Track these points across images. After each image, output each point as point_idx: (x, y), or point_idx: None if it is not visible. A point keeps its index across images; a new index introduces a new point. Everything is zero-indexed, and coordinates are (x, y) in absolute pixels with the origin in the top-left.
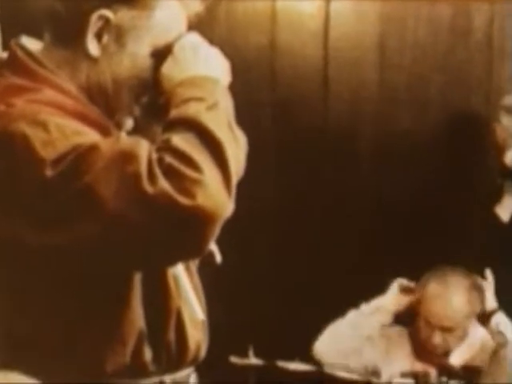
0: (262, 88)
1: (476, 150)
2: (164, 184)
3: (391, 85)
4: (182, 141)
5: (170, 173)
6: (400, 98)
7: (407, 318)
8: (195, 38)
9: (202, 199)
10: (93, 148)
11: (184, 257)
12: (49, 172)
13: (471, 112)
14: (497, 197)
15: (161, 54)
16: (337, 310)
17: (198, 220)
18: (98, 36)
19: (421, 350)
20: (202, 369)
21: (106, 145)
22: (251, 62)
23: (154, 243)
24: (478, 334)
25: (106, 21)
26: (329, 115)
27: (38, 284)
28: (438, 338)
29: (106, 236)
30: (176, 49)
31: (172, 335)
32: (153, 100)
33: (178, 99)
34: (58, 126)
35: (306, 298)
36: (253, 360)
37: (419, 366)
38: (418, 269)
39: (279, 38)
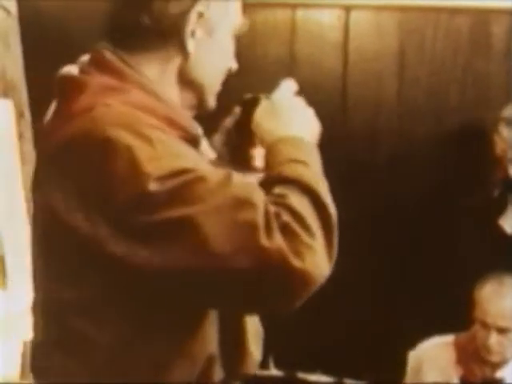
0: None
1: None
2: (280, 241)
3: (410, 96)
4: (298, 202)
5: (286, 231)
6: (419, 110)
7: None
8: (292, 89)
9: (309, 264)
10: (201, 179)
11: (272, 311)
12: (152, 186)
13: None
14: (500, 209)
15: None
16: (358, 322)
17: (301, 283)
18: (192, 33)
19: (467, 359)
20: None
21: (213, 179)
22: (270, 74)
23: (249, 293)
24: None
25: (200, 16)
26: (347, 126)
27: (113, 291)
28: (493, 339)
29: (199, 269)
30: (277, 101)
31: (243, 362)
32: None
33: (282, 157)
34: (164, 144)
35: (327, 309)
36: (273, 371)
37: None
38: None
39: (298, 49)
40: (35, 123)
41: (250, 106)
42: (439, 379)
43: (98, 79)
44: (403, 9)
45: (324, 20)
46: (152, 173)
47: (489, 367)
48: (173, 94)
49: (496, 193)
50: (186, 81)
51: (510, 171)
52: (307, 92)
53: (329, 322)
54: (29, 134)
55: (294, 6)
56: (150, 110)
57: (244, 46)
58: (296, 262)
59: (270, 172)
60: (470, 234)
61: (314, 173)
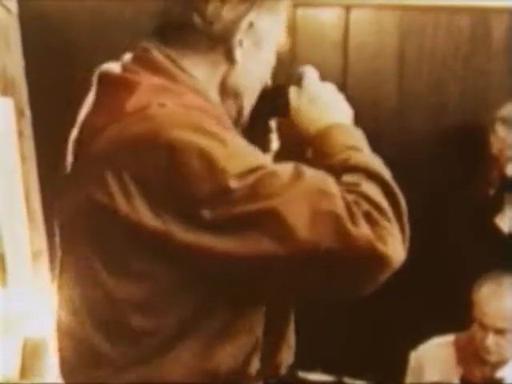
0: None
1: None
2: (365, 228)
3: (410, 94)
4: (372, 190)
5: (368, 218)
6: (419, 107)
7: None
8: (316, 75)
9: (391, 249)
10: (274, 174)
11: (349, 295)
12: (233, 183)
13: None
14: (497, 208)
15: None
16: (358, 321)
17: (384, 267)
18: (240, 42)
19: (467, 359)
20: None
21: (285, 174)
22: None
23: (335, 277)
24: None
25: (250, 26)
26: None
27: (182, 283)
28: (490, 340)
29: (288, 255)
30: (315, 90)
31: (282, 354)
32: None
33: (338, 144)
34: (233, 142)
35: (327, 308)
36: (321, 376)
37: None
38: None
39: (299, 48)
40: (35, 122)
41: (272, 95)
42: (440, 379)
43: (150, 79)
44: (403, 7)
45: (324, 19)
46: (230, 170)
47: (488, 367)
48: (217, 100)
49: (492, 192)
50: (229, 90)
51: (506, 170)
52: None
53: (329, 321)
54: (29, 132)
55: (295, 5)
56: (204, 112)
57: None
58: (381, 247)
59: (329, 160)
60: (467, 233)
61: (374, 159)
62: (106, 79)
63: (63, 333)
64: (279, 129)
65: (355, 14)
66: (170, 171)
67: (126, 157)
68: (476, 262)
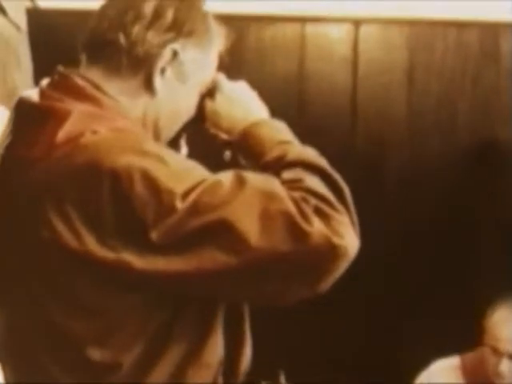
0: (290, 115)
1: (500, 176)
2: (319, 223)
3: (419, 110)
4: (315, 183)
5: (319, 214)
6: (428, 124)
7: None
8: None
9: (347, 240)
10: (217, 185)
11: (309, 294)
12: (179, 203)
13: (497, 138)
14: None
15: (207, 92)
16: (370, 332)
17: (341, 260)
18: (162, 70)
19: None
20: None
21: (228, 181)
22: (279, 89)
23: (294, 278)
24: None
25: (174, 55)
26: (357, 141)
27: (139, 311)
28: (504, 366)
29: (242, 265)
30: (229, 90)
31: (243, 364)
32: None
33: (266, 141)
34: (172, 158)
35: (340, 327)
36: None
37: None
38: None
39: (308, 64)
40: None
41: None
42: None
43: (77, 106)
44: (412, 23)
45: (333, 34)
46: (175, 190)
47: None
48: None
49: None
50: (149, 124)
51: None
52: (316, 106)
53: (342, 339)
54: None
55: (303, 21)
56: (137, 133)
57: (253, 62)
58: (338, 241)
59: (263, 159)
60: (491, 254)
61: (306, 149)
62: (26, 107)
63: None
64: (204, 137)
65: (364, 30)
66: (115, 198)
67: (67, 189)
68: (493, 283)
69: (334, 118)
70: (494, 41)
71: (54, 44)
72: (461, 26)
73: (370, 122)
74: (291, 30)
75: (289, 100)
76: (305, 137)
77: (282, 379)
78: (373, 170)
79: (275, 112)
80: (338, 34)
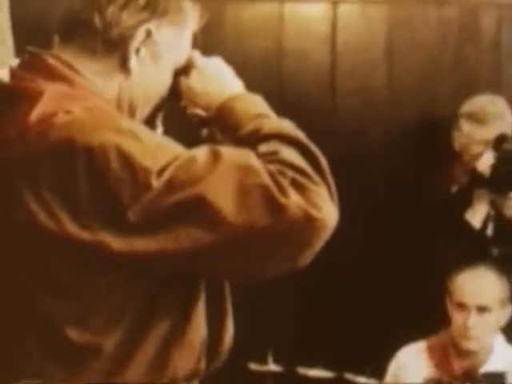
0: (269, 93)
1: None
2: (295, 196)
3: (399, 87)
4: (291, 155)
5: (296, 186)
6: (408, 101)
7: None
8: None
9: (325, 212)
10: (192, 160)
11: (288, 267)
12: (155, 182)
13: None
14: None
15: (181, 70)
16: (359, 317)
17: (320, 233)
18: (137, 50)
19: (445, 361)
20: (221, 376)
21: (202, 156)
22: (258, 67)
23: (273, 251)
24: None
25: (148, 35)
26: (337, 118)
27: (120, 292)
28: (472, 319)
29: (219, 243)
30: (203, 66)
31: (223, 346)
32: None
33: (243, 114)
34: (146, 134)
35: (327, 304)
36: (272, 366)
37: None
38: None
39: (286, 43)
40: None
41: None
42: None
43: (50, 86)
44: (391, 0)
45: (312, 13)
46: (150, 168)
47: (469, 361)
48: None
49: (455, 188)
50: (123, 103)
51: (476, 166)
52: (296, 85)
53: (329, 317)
54: None
55: (282, 0)
56: (111, 111)
57: (232, 41)
58: (316, 213)
59: (239, 133)
60: (436, 230)
61: (283, 122)
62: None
63: None
64: (180, 115)
65: (342, 8)
66: (90, 176)
67: (42, 169)
68: (447, 257)
69: (313, 96)
70: (474, 18)
71: (35, 25)
72: (440, 3)
73: (349, 99)
74: (269, 9)
75: (268, 79)
76: (284, 115)
77: (270, 360)
78: (354, 144)
79: (254, 91)
80: (316, 13)
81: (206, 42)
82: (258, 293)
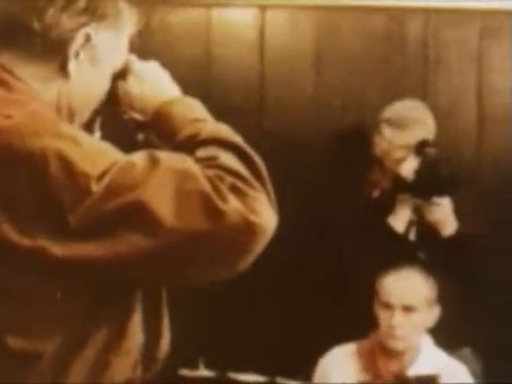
0: (197, 99)
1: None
2: (235, 201)
3: (327, 94)
4: (230, 160)
5: (235, 191)
6: (336, 107)
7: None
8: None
9: (264, 217)
10: (131, 165)
11: (227, 274)
12: (95, 187)
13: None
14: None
15: (119, 74)
16: (291, 321)
17: (259, 238)
18: (76, 54)
19: (373, 362)
20: (152, 382)
21: (141, 162)
22: (187, 74)
23: (211, 258)
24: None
25: (87, 39)
26: (265, 125)
27: (59, 299)
28: (398, 318)
29: (158, 248)
30: (140, 70)
31: (160, 353)
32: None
33: (179, 119)
34: (86, 139)
35: (259, 309)
36: (203, 372)
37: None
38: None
39: (214, 50)
40: None
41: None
42: None
43: None
44: (319, 8)
45: (239, 19)
46: (90, 173)
47: (397, 362)
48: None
49: (377, 193)
50: (63, 108)
51: (399, 171)
52: (224, 91)
53: (260, 322)
54: None
55: (209, 6)
56: (51, 116)
57: (160, 47)
58: (255, 219)
59: (176, 138)
60: (359, 235)
61: (221, 127)
62: None
63: None
64: (118, 120)
65: (270, 15)
66: (31, 182)
67: None
68: (373, 261)
69: (241, 102)
70: (401, 26)
71: None
72: (368, 11)
73: (278, 106)
74: (197, 14)
75: (196, 85)
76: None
77: (202, 366)
78: (280, 152)
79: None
80: (244, 19)
81: (135, 47)
82: (189, 297)
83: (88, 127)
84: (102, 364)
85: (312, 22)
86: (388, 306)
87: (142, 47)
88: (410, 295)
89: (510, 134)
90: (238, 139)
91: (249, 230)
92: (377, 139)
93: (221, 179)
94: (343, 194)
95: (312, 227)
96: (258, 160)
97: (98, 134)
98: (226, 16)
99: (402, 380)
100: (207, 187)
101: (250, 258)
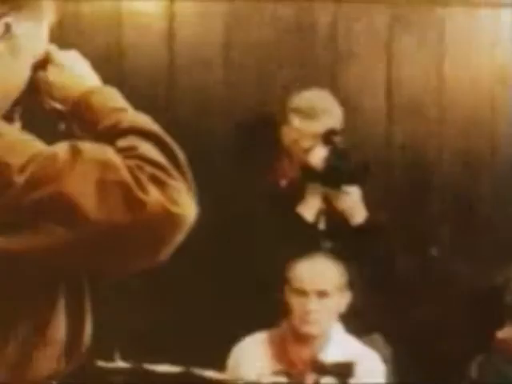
0: None
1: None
2: (155, 192)
3: (236, 83)
4: (150, 150)
5: (155, 181)
6: (245, 96)
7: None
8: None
9: (184, 207)
10: (53, 156)
11: (147, 264)
12: (17, 178)
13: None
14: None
15: (39, 63)
16: (206, 311)
17: (179, 228)
18: None
19: (285, 350)
20: (70, 375)
21: (62, 153)
22: (100, 65)
23: (132, 248)
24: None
25: (7, 29)
26: (175, 115)
27: None
28: (312, 304)
29: (80, 240)
30: (60, 59)
31: (82, 346)
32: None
33: (99, 108)
34: (7, 130)
35: (175, 300)
36: (119, 363)
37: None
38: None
39: (125, 40)
40: None
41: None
42: (257, 377)
43: None
44: None
45: (149, 9)
46: (12, 164)
47: (309, 348)
48: None
49: (284, 182)
50: None
51: (309, 160)
52: (135, 82)
53: (176, 313)
54: None
55: None
56: None
57: (71, 38)
58: (175, 209)
59: (96, 128)
60: (269, 224)
61: (141, 117)
62: None
63: None
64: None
65: (180, 5)
66: None
67: None
68: (283, 250)
69: (151, 92)
70: (310, 15)
71: None
72: (277, 1)
73: (188, 96)
74: (108, 5)
75: (108, 77)
76: None
77: (118, 358)
78: (192, 140)
79: None
80: (154, 9)
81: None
82: (105, 288)
83: (8, 118)
84: (26, 357)
85: (221, 11)
86: (301, 292)
87: (56, 38)
88: (322, 281)
89: (418, 123)
90: (156, 128)
91: (169, 220)
92: (285, 129)
93: (141, 169)
94: (250, 183)
95: (220, 216)
96: (177, 149)
97: (18, 124)
98: (137, 7)
99: (319, 368)
100: (128, 178)
101: (171, 248)
